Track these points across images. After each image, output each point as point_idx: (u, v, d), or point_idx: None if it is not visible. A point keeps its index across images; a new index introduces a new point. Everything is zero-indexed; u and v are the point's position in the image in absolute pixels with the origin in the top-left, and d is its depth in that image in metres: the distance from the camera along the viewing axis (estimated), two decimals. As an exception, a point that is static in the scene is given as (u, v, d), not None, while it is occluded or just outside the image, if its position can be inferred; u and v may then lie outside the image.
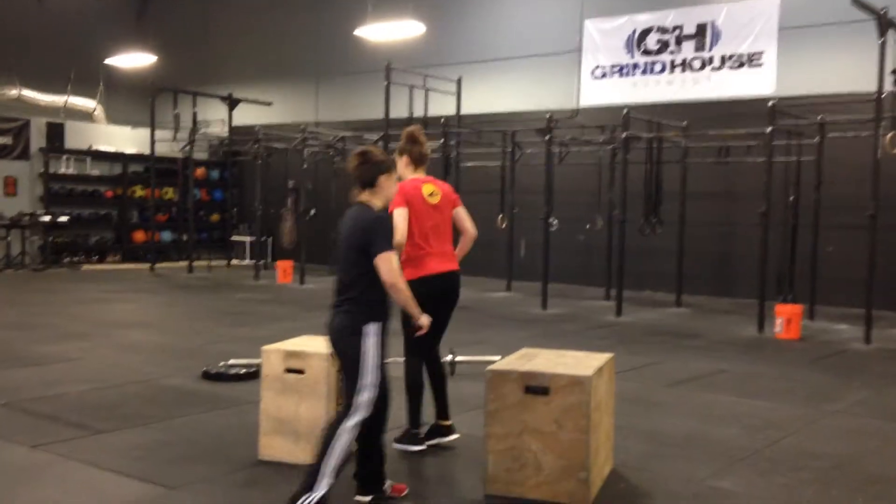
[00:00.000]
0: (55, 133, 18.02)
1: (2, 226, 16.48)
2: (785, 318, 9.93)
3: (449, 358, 7.11)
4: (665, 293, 13.34)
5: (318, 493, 3.78)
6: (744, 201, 12.91)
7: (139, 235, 19.36)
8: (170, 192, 19.55)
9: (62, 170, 18.04)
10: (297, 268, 14.96)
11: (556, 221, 12.28)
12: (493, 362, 7.13)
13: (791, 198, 11.64)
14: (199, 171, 20.39)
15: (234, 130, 19.06)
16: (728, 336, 10.08)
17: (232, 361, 7.02)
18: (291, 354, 4.60)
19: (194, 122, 17.43)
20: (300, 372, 4.55)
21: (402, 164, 5.07)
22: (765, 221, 10.32)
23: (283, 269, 15.15)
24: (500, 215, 14.18)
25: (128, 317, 10.57)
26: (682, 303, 12.81)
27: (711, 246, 13.84)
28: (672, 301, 12.87)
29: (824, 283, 11.93)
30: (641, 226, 12.13)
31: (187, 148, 17.20)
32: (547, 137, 12.12)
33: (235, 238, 20.19)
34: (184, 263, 17.20)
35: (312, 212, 15.76)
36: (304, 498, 3.78)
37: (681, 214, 12.81)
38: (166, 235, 19.68)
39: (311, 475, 3.83)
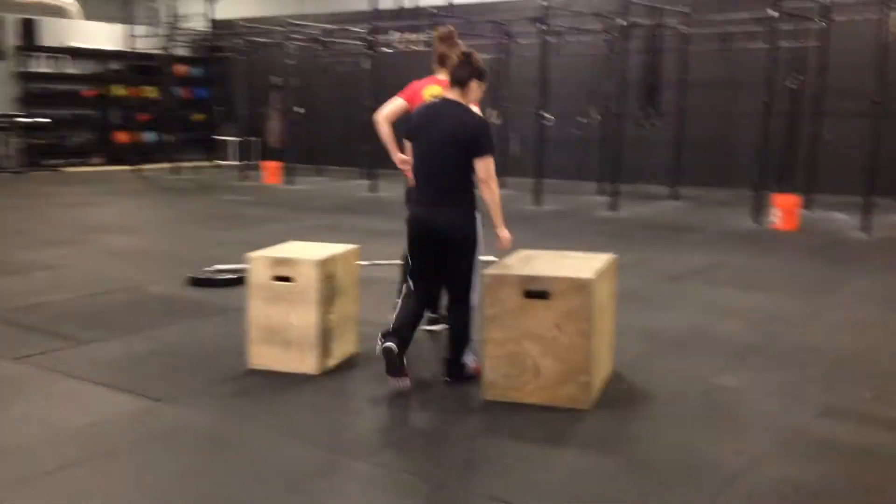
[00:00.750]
0: (29, 30, 17.30)
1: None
2: (782, 209, 9.75)
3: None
4: (661, 186, 13.10)
5: (472, 342, 4.29)
6: (746, 90, 12.53)
7: (122, 136, 18.86)
8: (151, 91, 18.97)
9: (39, 69, 17.42)
10: (285, 168, 14.64)
11: (550, 116, 11.90)
12: (488, 263, 7.02)
13: (794, 85, 11.26)
14: (181, 69, 19.77)
15: (216, 24, 18.40)
16: (725, 228, 9.92)
17: (219, 267, 6.82)
18: (279, 262, 4.38)
19: (175, 16, 16.78)
20: (288, 280, 4.35)
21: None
22: (767, 110, 10.01)
23: (270, 170, 14.82)
24: (493, 110, 13.77)
25: (111, 221, 10.31)
26: (678, 195, 12.60)
27: (711, 136, 13.53)
28: (668, 194, 12.67)
29: (824, 173, 11.71)
30: (639, 118, 11.77)
31: (166, 44, 16.61)
32: (542, 27, 11.63)
33: (220, 138, 19.73)
34: (168, 165, 16.84)
35: (301, 110, 15.34)
36: (464, 354, 4.28)
37: (679, 105, 12.47)
38: (150, 136, 19.20)
39: (458, 339, 4.27)
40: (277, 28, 15.34)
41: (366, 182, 13.66)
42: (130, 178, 15.59)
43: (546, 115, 11.76)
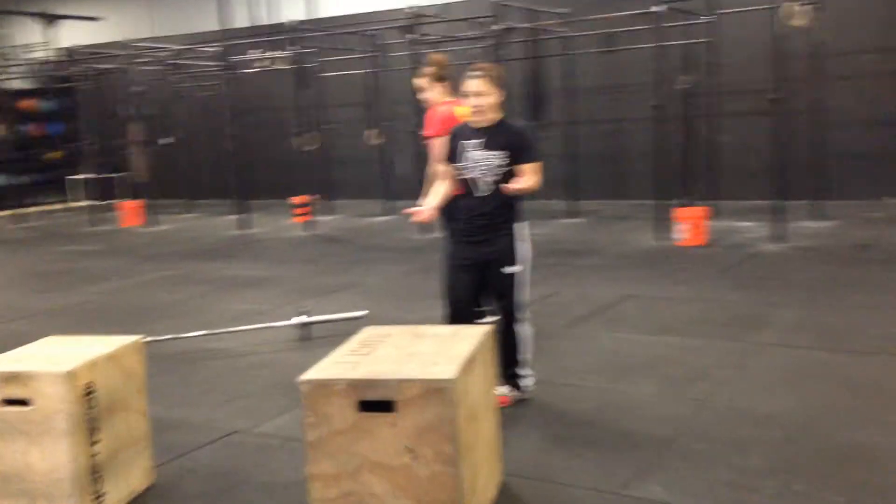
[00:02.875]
0: None
1: None
2: (687, 223, 8.86)
3: (299, 319, 5.65)
4: (561, 201, 12.12)
5: (528, 379, 4.29)
6: (636, 93, 11.71)
7: (-38, 182, 16.84)
8: (-3, 130, 16.98)
9: None
10: (149, 207, 13.06)
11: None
12: (357, 318, 5.80)
13: (685, 86, 10.46)
14: (27, 103, 17.88)
15: (62, 52, 16.63)
16: (627, 248, 8.96)
17: None
18: (8, 378, 3.04)
19: (15, 46, 14.97)
20: (24, 403, 3.01)
21: (442, 90, 5.18)
22: (657, 114, 9.13)
23: (129, 211, 13.21)
24: (370, 130, 12.60)
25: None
26: (576, 212, 11.65)
27: (605, 145, 12.68)
28: (566, 210, 11.70)
29: (726, 178, 10.98)
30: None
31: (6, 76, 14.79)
32: (411, 37, 10.51)
33: (76, 177, 17.90)
34: (13, 211, 14.99)
35: (170, 140, 13.85)
36: (518, 391, 4.25)
37: (568, 113, 11.55)
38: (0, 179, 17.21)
39: (510, 375, 4.22)
40: (125, 53, 13.74)
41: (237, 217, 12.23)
42: (-35, 231, 13.70)
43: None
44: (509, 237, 4.19)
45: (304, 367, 2.92)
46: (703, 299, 6.46)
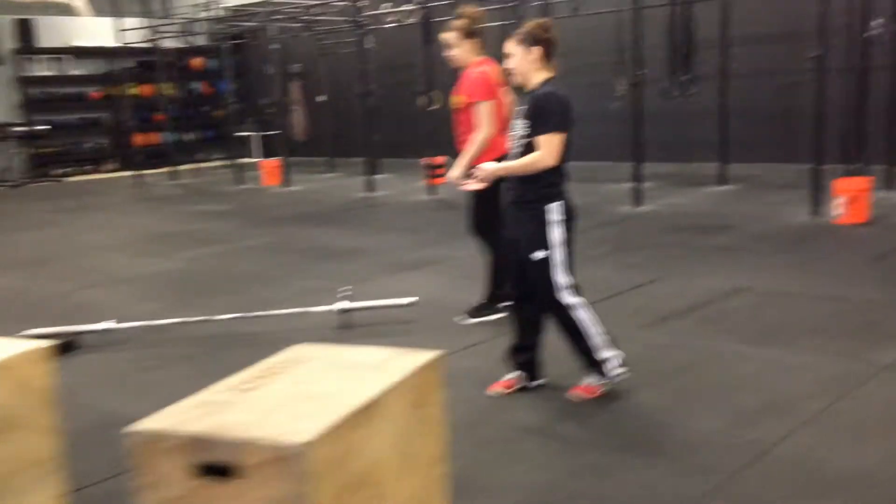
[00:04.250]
0: (26, 31, 16.23)
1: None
2: (846, 197, 7.48)
3: (339, 305, 5.11)
4: (712, 164, 10.81)
5: (612, 361, 3.82)
6: (807, 42, 10.13)
7: (137, 139, 17.69)
8: (167, 89, 17.69)
9: (40, 72, 16.35)
10: (291, 166, 13.03)
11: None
12: (404, 306, 5.19)
13: (878, 32, 8.82)
14: (197, 62, 18.48)
15: (228, 11, 16.96)
16: (772, 225, 7.72)
17: (42, 331, 5.14)
18: None
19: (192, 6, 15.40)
20: None
21: (472, 47, 4.94)
22: (820, 66, 7.73)
23: (268, 170, 13.23)
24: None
25: (23, 251, 8.88)
26: (727, 178, 10.35)
27: (770, 102, 11.19)
28: (715, 177, 10.43)
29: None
30: (666, 87, 9.57)
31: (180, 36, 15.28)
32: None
33: (240, 134, 18.36)
34: (183, 167, 15.59)
35: (324, 98, 13.75)
36: (603, 377, 3.82)
37: (722, 67, 10.19)
38: (168, 136, 17.97)
39: (589, 364, 3.82)
40: (263, 10, 13.66)
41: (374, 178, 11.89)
42: (127, 186, 14.31)
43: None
44: (535, 220, 3.74)
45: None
46: (836, 297, 5.29)
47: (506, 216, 4.00)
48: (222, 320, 5.13)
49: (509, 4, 11.37)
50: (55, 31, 16.64)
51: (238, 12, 16.24)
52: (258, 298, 5.93)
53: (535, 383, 3.98)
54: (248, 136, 17.89)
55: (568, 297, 3.77)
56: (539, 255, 3.74)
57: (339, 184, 13.06)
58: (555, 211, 3.73)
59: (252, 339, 4.99)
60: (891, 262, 6.12)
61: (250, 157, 17.45)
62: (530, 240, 3.77)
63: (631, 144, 9.35)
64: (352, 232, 8.67)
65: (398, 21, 11.32)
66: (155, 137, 17.20)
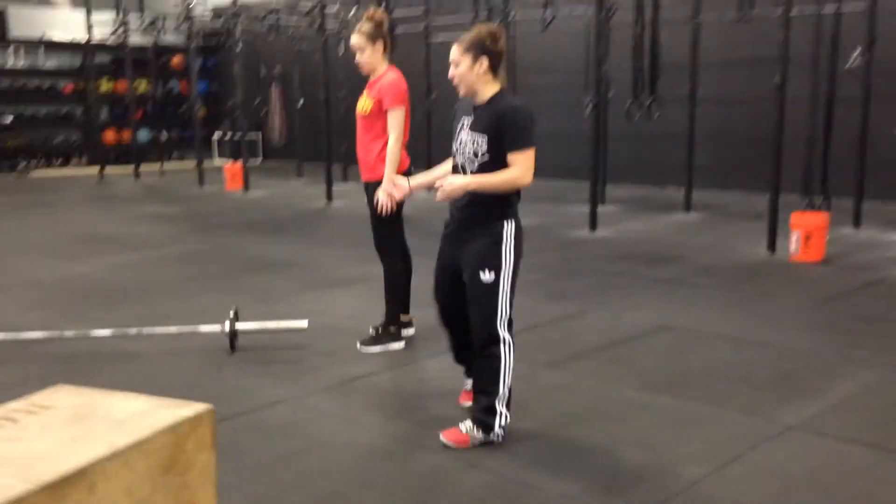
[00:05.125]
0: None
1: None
2: (801, 233, 7.12)
3: (227, 327, 4.74)
4: (680, 188, 10.45)
5: (500, 418, 3.50)
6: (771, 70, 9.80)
7: (110, 136, 17.37)
8: (142, 85, 17.37)
9: (8, 64, 16.03)
10: (273, 169, 12.68)
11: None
12: (295, 330, 4.83)
13: (855, 63, 8.47)
14: (176, 60, 18.17)
15: (210, 11, 16.69)
16: (725, 258, 7.35)
17: None
18: None
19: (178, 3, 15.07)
20: None
21: (381, 51, 4.67)
22: (780, 96, 7.38)
23: (231, 174, 12.87)
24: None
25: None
26: (693, 205, 10.00)
27: (744, 128, 10.88)
28: (681, 203, 10.08)
29: (881, 174, 8.95)
30: (629, 108, 9.22)
31: (157, 32, 14.96)
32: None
33: (217, 136, 18.07)
34: (157, 166, 15.26)
35: (300, 102, 13.41)
36: (487, 434, 3.48)
37: (691, 90, 9.86)
38: (142, 135, 17.64)
39: (482, 409, 3.50)
40: (237, 13, 13.35)
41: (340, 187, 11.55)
42: (87, 184, 13.96)
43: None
44: (488, 238, 3.44)
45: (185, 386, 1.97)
46: (763, 342, 4.91)
47: (444, 240, 3.63)
48: (99, 337, 4.75)
49: (477, 21, 11.09)
50: (28, 23, 16.32)
51: (218, 12, 15.93)
52: (159, 312, 5.57)
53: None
54: (224, 137, 17.57)
55: (504, 331, 3.49)
56: (488, 276, 3.43)
57: (302, 191, 12.71)
58: (510, 231, 3.46)
59: (126, 359, 4.62)
60: (833, 307, 5.74)
61: (225, 159, 17.12)
62: (480, 259, 3.44)
63: (593, 164, 8.99)
64: (294, 243, 8.30)
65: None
66: (127, 135, 16.85)
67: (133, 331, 4.78)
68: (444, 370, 4.32)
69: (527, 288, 6.17)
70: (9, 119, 15.69)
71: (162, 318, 5.33)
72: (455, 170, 3.58)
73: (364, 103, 4.69)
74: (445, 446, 3.47)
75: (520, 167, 3.36)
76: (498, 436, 3.49)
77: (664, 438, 3.56)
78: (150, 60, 16.53)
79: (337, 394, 4.12)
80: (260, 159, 18.06)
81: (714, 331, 5.14)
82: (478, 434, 3.48)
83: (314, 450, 3.47)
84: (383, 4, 10.53)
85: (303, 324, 4.80)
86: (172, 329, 4.82)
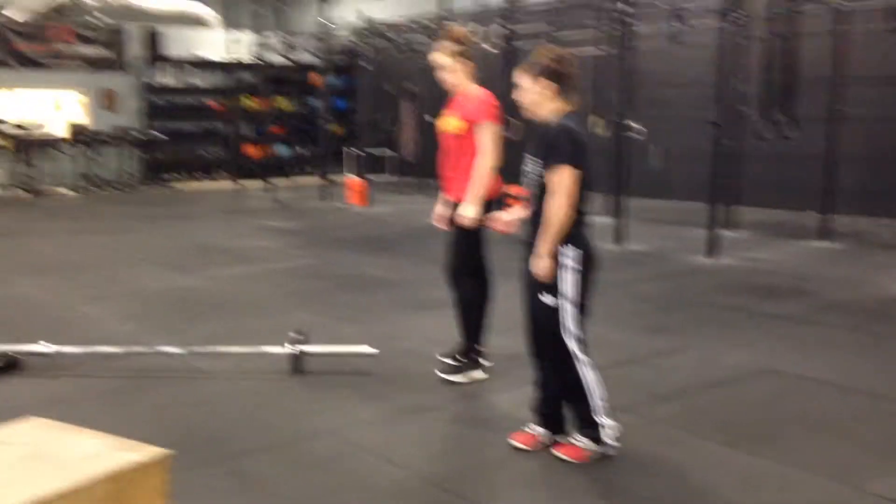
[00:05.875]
0: (154, 41, 16.89)
1: (92, 142, 15.67)
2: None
3: (291, 349, 4.64)
4: (817, 214, 9.63)
5: (608, 430, 3.48)
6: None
7: (251, 150, 18.04)
8: (283, 103, 17.99)
9: (163, 81, 16.96)
10: (403, 185, 12.73)
11: (639, 127, 9.11)
12: (363, 355, 4.67)
13: None
14: (314, 78, 18.66)
15: (349, 30, 17.07)
16: (859, 293, 6.66)
17: None
18: None
19: (320, 23, 15.59)
20: None
21: (466, 68, 4.48)
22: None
23: (354, 190, 13.01)
24: (595, 117, 11.05)
25: (70, 254, 8.92)
26: (831, 232, 9.18)
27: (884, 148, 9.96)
28: (816, 229, 9.28)
29: None
30: (759, 127, 8.58)
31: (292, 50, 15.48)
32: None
33: (352, 152, 18.38)
34: (298, 180, 15.73)
35: (431, 119, 13.44)
36: (597, 444, 3.46)
37: (830, 108, 9.08)
38: (282, 150, 18.25)
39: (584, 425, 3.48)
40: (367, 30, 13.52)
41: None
42: (223, 196, 14.52)
43: (635, 125, 8.96)
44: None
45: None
46: (882, 395, 4.32)
47: (522, 261, 3.56)
48: (173, 353, 4.77)
49: (605, 31, 10.72)
50: (180, 42, 17.23)
51: (352, 31, 16.23)
52: (245, 328, 5.58)
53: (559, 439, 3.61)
54: (357, 153, 17.88)
55: (576, 349, 3.43)
56: (546, 298, 3.41)
57: (423, 208, 12.66)
58: (570, 254, 3.38)
59: (192, 377, 4.60)
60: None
61: (356, 174, 17.41)
62: (539, 281, 3.41)
63: (710, 185, 8.44)
64: (399, 261, 8.21)
65: (489, 43, 10.83)
66: (268, 149, 17.45)
67: (202, 349, 4.77)
68: (511, 408, 4.04)
69: (622, 319, 5.83)
70: (161, 133, 16.56)
71: (246, 334, 5.31)
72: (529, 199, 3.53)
73: (452, 122, 4.49)
74: (561, 459, 3.46)
75: (555, 194, 3.29)
76: (613, 448, 3.49)
77: (725, 501, 3.14)
78: (291, 78, 17.07)
79: (388, 427, 3.92)
80: (392, 176, 18.24)
81: (826, 378, 4.59)
82: (595, 447, 3.47)
83: (345, 490, 3.28)
84: (506, 21, 10.33)
85: (370, 350, 4.64)
86: (241, 349, 4.77)
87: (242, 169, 17.06)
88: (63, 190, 15.05)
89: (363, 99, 17.80)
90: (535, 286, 3.42)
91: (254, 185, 15.48)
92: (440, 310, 6.04)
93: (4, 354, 4.68)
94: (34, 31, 15.77)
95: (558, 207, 3.30)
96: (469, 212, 4.29)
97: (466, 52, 4.49)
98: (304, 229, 10.52)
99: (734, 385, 4.49)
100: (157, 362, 4.75)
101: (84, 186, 15.29)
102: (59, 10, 16.38)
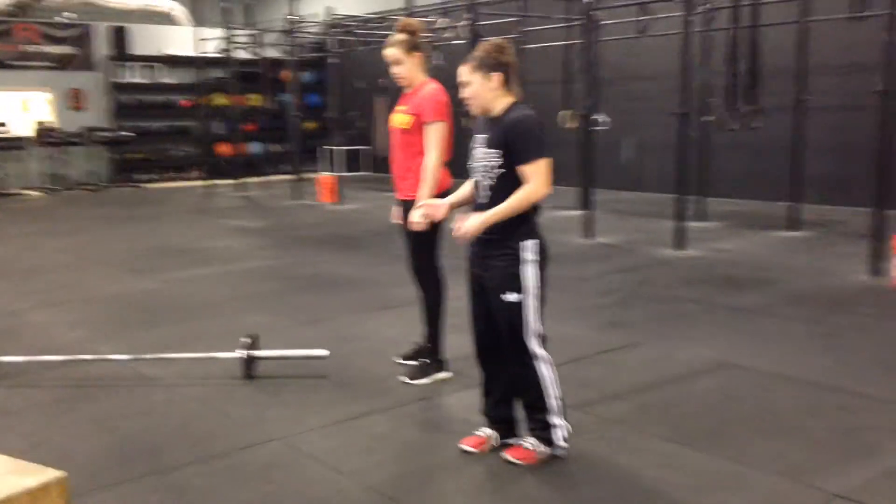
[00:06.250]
0: (121, 39, 16.66)
1: (59, 143, 15.44)
2: (906, 258, 6.33)
3: (242, 354, 4.55)
4: (785, 204, 9.62)
5: (559, 430, 3.43)
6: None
7: (223, 148, 17.85)
8: (254, 99, 17.82)
9: (130, 79, 16.74)
10: (379, 181, 12.66)
11: (604, 117, 9.05)
12: (314, 358, 4.59)
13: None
14: (285, 74, 18.49)
15: (318, 25, 16.93)
16: (821, 283, 6.65)
17: None
18: None
19: (287, 18, 15.41)
20: None
21: (418, 63, 4.42)
22: (884, 103, 6.61)
23: (325, 187, 12.90)
24: (565, 111, 11.03)
25: (27, 258, 8.77)
26: (801, 222, 9.18)
27: (861, 138, 9.94)
28: (785, 218, 9.28)
29: None
30: (720, 116, 8.55)
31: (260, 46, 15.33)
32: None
33: (326, 148, 18.26)
34: (270, 178, 15.60)
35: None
36: (548, 446, 3.42)
37: (797, 97, 9.07)
38: (255, 147, 18.10)
39: (535, 425, 3.44)
40: (328, 24, 13.39)
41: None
42: (192, 195, 14.36)
43: (600, 117, 8.90)
44: (509, 258, 3.34)
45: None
46: (836, 388, 4.29)
47: (470, 255, 3.51)
48: (119, 360, 4.66)
49: (573, 24, 10.66)
50: (148, 40, 17.02)
51: (328, 25, 16.07)
52: (198, 332, 5.48)
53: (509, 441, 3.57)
54: (330, 150, 17.74)
55: (536, 346, 3.38)
56: (511, 297, 3.33)
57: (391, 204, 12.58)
58: (530, 249, 3.35)
59: (139, 384, 4.50)
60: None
61: (329, 171, 17.28)
62: (501, 280, 3.35)
63: (676, 177, 8.40)
64: (363, 259, 8.13)
65: (457, 36, 10.74)
66: (241, 147, 17.29)
67: (149, 356, 4.66)
68: (464, 410, 3.98)
69: (581, 314, 5.78)
70: (128, 132, 16.35)
71: (199, 339, 5.21)
72: (475, 187, 3.46)
73: (401, 117, 4.41)
74: (510, 463, 3.41)
75: (533, 181, 3.26)
76: (563, 449, 3.44)
77: (677, 502, 3.08)
78: (261, 75, 16.91)
79: (338, 432, 3.84)
80: (366, 172, 18.13)
81: (781, 372, 4.55)
82: (544, 448, 3.43)
83: (284, 501, 3.20)
84: (471, 14, 10.24)
85: (321, 353, 4.55)
86: (190, 355, 4.67)
87: (214, 167, 16.91)
88: (29, 191, 14.84)
89: (334, 95, 17.68)
90: (498, 286, 3.34)
91: (225, 183, 15.33)
92: (403, 308, 5.99)
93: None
94: (-1, 30, 15.53)
95: (536, 196, 3.28)
96: (417, 216, 4.15)
97: (418, 44, 4.40)
98: (271, 228, 10.41)
99: (688, 381, 4.45)
100: (104, 370, 4.65)
101: (50, 187, 15.09)
102: (21, 8, 16.15)
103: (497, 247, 3.35)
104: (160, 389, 4.44)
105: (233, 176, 15.54)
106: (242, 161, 16.43)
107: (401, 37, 4.37)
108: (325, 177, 13.20)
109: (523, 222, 3.34)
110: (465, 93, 3.42)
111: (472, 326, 3.58)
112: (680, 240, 8.15)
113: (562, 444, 3.43)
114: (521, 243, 3.33)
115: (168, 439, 3.77)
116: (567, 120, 10.89)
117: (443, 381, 4.44)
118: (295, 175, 13.93)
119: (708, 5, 9.34)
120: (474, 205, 3.47)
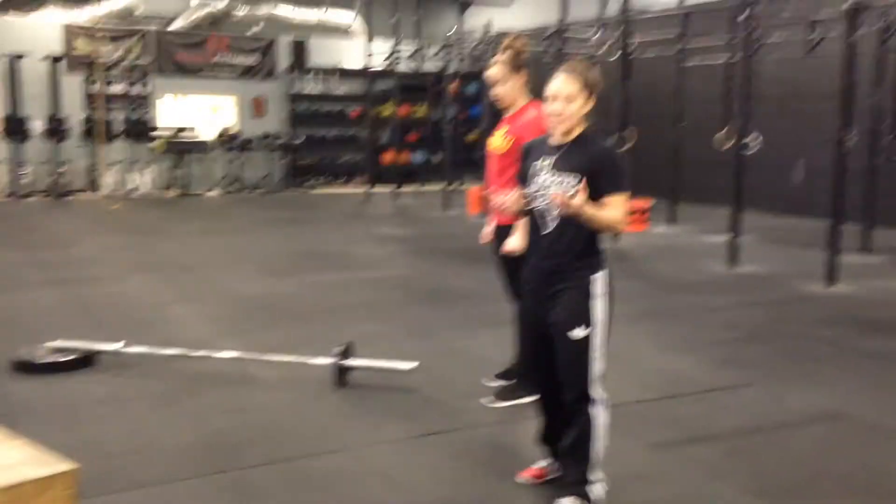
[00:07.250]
0: (300, 51, 17.62)
1: (239, 147, 16.52)
2: None
3: (333, 361, 4.70)
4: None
5: (597, 485, 3.24)
6: None
7: (388, 157, 18.45)
8: (420, 110, 18.33)
9: (307, 89, 17.66)
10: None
11: (755, 138, 8.60)
12: (401, 371, 4.66)
13: None
14: (452, 86, 18.85)
15: (484, 37, 17.18)
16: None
17: (60, 344, 5.21)
18: None
19: (456, 32, 15.83)
20: None
21: (521, 84, 4.35)
22: None
23: (473, 198, 13.02)
24: (725, 129, 10.54)
25: (181, 255, 9.39)
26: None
27: None
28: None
29: None
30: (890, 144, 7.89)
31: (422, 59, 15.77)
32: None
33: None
34: (427, 188, 16.01)
35: None
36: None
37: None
38: (417, 157, 18.60)
39: (576, 481, 3.24)
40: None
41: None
42: (352, 201, 14.93)
43: (752, 136, 8.50)
44: (580, 291, 3.20)
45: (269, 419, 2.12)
46: None
47: (527, 297, 3.39)
48: (223, 359, 4.94)
49: (732, 41, 10.22)
50: (325, 52, 17.89)
51: (486, 40, 16.27)
52: (309, 336, 5.70)
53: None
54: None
55: (597, 391, 3.24)
56: (579, 333, 3.18)
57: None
58: (600, 282, 3.23)
59: (240, 383, 4.75)
60: None
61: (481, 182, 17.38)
62: (570, 315, 3.19)
63: (833, 203, 7.84)
64: (490, 275, 8.09)
65: (609, 53, 10.56)
66: (404, 156, 17.81)
67: (254, 356, 4.91)
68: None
69: (696, 348, 5.52)
70: (301, 138, 17.25)
71: (308, 343, 5.40)
72: (532, 217, 3.29)
73: (500, 141, 4.40)
74: None
75: (620, 211, 3.16)
76: (597, 500, 3.24)
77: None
78: (427, 86, 17.36)
79: (407, 448, 3.89)
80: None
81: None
82: None
83: (336, 511, 3.28)
84: (625, 29, 10.03)
85: (407, 366, 4.63)
86: (288, 358, 4.88)
87: (377, 175, 17.48)
88: (210, 192, 15.96)
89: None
90: (565, 322, 3.17)
91: (385, 191, 15.84)
92: (509, 327, 5.94)
93: (78, 350, 5.01)
94: (194, 42, 16.83)
95: (619, 225, 3.18)
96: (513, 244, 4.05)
97: (522, 64, 4.32)
98: (414, 237, 10.65)
99: (790, 429, 4.15)
100: (214, 366, 4.94)
101: (228, 189, 16.17)
102: (214, 22, 17.43)
103: (565, 279, 3.20)
104: (259, 389, 4.67)
105: (393, 184, 16.04)
106: (404, 170, 16.92)
107: (506, 55, 4.33)
108: (473, 188, 13.33)
109: (596, 252, 3.22)
110: (556, 108, 3.17)
111: (529, 367, 3.48)
112: (831, 274, 7.60)
113: (601, 497, 3.24)
114: (591, 276, 3.19)
115: (250, 439, 3.96)
116: (723, 141, 10.42)
117: (526, 405, 4.38)
118: (447, 185, 14.16)
119: (883, 22, 8.68)
120: (534, 234, 3.30)
